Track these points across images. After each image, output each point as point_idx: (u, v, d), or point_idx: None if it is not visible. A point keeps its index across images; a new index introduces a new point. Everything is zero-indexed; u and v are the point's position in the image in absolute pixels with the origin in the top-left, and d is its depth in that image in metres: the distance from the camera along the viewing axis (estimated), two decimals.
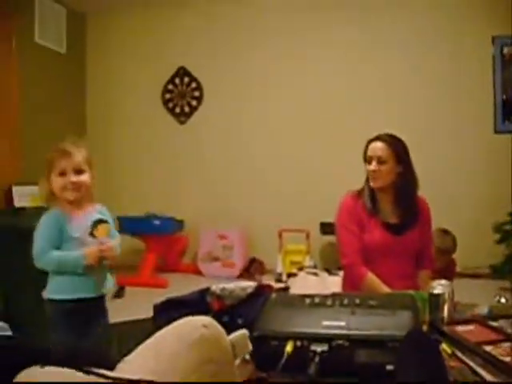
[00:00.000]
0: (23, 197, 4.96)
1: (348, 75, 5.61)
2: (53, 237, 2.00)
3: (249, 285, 1.63)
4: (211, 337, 0.86)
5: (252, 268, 5.65)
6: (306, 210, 5.60)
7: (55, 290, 2.04)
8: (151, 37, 6.25)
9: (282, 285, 2.29)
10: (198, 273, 5.69)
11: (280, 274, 4.98)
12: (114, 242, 2.12)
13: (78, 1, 6.04)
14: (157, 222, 5.32)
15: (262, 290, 1.64)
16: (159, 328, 1.10)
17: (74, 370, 0.76)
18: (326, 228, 5.31)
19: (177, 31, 6.15)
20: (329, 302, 1.46)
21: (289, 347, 1.28)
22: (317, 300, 1.48)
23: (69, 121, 6.13)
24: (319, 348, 1.27)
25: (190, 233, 5.82)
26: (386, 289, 2.36)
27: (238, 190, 5.92)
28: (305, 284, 3.78)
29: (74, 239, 2.02)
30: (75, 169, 2.07)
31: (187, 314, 1.11)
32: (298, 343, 1.30)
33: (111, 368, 0.83)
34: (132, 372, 0.79)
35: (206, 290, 1.63)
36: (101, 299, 2.15)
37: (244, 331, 1.03)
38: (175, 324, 0.92)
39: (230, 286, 1.61)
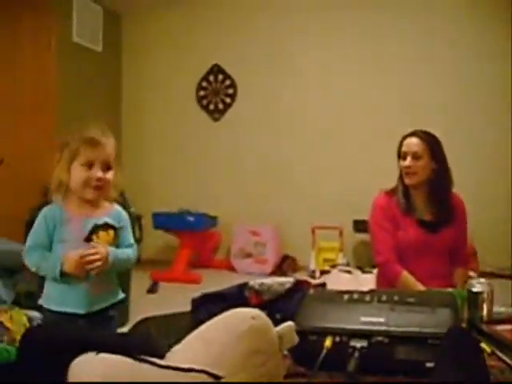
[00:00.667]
0: None
1: (382, 74, 5.55)
2: (43, 235, 1.74)
3: (287, 280, 1.64)
4: (259, 328, 0.87)
5: (284, 265, 5.65)
6: (339, 207, 5.58)
7: (45, 296, 1.79)
8: (185, 35, 6.30)
9: (319, 281, 2.29)
10: (231, 269, 5.73)
11: (313, 272, 4.98)
12: (110, 249, 1.76)
13: (114, 0, 6.12)
14: (190, 218, 5.35)
15: (299, 286, 1.65)
16: (198, 321, 1.12)
17: (126, 358, 0.78)
18: (359, 225, 5.28)
19: (211, 29, 6.19)
20: (367, 298, 1.46)
21: (328, 342, 1.28)
22: (355, 296, 1.48)
23: (104, 118, 6.21)
24: (358, 344, 1.27)
25: (223, 229, 5.85)
26: (420, 287, 2.35)
27: (271, 187, 5.93)
28: (338, 281, 3.78)
29: (67, 242, 1.73)
30: (103, 162, 1.77)
31: (225, 309, 1.13)
32: (337, 339, 1.30)
33: (160, 357, 0.85)
34: (182, 361, 0.81)
35: (245, 285, 1.64)
36: (98, 316, 1.79)
37: (290, 323, 1.04)
38: (223, 315, 0.93)
39: (269, 281, 1.62)
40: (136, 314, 3.73)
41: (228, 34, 6.12)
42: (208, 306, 1.60)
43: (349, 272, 3.99)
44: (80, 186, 1.73)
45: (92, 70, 6.01)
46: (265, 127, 5.99)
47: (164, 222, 5.43)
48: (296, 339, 1.07)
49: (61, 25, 5.46)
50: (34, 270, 1.74)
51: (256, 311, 0.94)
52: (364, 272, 3.92)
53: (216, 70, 6.20)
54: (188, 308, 2.71)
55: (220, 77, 6.19)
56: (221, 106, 6.19)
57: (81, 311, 1.73)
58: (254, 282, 1.62)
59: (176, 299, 4.42)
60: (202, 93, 6.26)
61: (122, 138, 6.55)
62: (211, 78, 6.23)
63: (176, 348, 0.90)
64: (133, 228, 4.12)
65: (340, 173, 5.68)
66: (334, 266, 4.59)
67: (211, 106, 6.23)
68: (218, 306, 1.50)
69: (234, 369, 0.80)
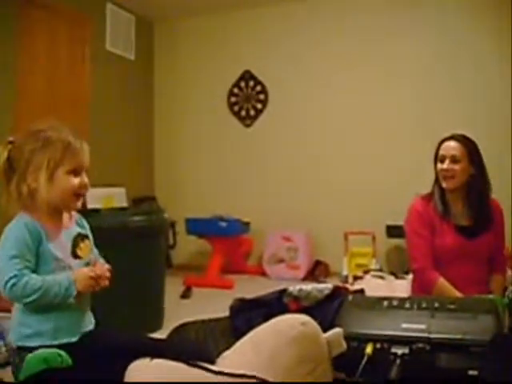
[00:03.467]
0: (95, 199, 5.14)
1: (417, 76, 5.50)
2: (29, 255, 1.50)
3: (325, 286, 1.64)
4: (309, 334, 0.88)
5: (317, 270, 5.63)
6: (371, 213, 5.54)
7: (28, 334, 1.51)
8: (217, 42, 6.35)
9: (357, 287, 2.28)
10: (263, 274, 5.73)
11: (346, 277, 4.95)
12: (102, 263, 1.69)
13: (146, 8, 6.20)
14: (223, 224, 5.37)
15: (338, 292, 1.65)
16: (237, 327, 1.13)
17: (180, 364, 0.80)
18: (392, 231, 5.23)
19: (242, 35, 6.22)
20: (407, 305, 1.46)
21: (369, 349, 1.28)
22: (395, 302, 1.48)
23: (137, 125, 6.32)
24: (400, 351, 1.27)
25: (256, 235, 5.86)
26: (457, 294, 2.32)
27: (303, 192, 5.92)
28: (371, 287, 3.74)
29: (57, 261, 1.56)
30: (84, 169, 1.64)
31: (265, 315, 1.14)
32: (378, 345, 1.30)
33: (211, 362, 0.86)
34: (233, 367, 0.82)
35: (284, 291, 1.64)
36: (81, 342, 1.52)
37: (338, 330, 1.04)
38: (273, 321, 0.94)
39: (307, 287, 1.62)
40: (170, 319, 3.77)
41: (259, 40, 6.14)
42: (246, 312, 1.61)
43: (382, 278, 3.95)
44: (68, 196, 1.59)
45: (125, 77, 6.10)
46: (296, 133, 5.99)
47: (197, 227, 5.46)
48: (344, 346, 1.07)
49: (95, 34, 5.55)
50: (31, 299, 1.47)
51: (305, 317, 0.95)
52: (397, 278, 3.88)
53: (247, 76, 6.23)
54: (221, 313, 2.73)
55: (251, 83, 6.22)
56: (252, 112, 6.21)
57: (74, 338, 1.51)
58: (293, 288, 1.63)
59: (209, 304, 4.46)
60: (233, 99, 6.30)
61: (155, 145, 6.64)
62: (242, 84, 6.26)
63: (226, 354, 0.90)
64: (167, 234, 4.18)
65: (373, 178, 5.63)
66: (366, 272, 4.55)
67: (243, 113, 6.25)
68: (257, 312, 1.51)
69: (283, 375, 0.81)
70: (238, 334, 1.55)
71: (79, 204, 1.63)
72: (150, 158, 6.58)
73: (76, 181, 1.59)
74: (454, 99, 5.34)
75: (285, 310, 1.59)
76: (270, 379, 0.79)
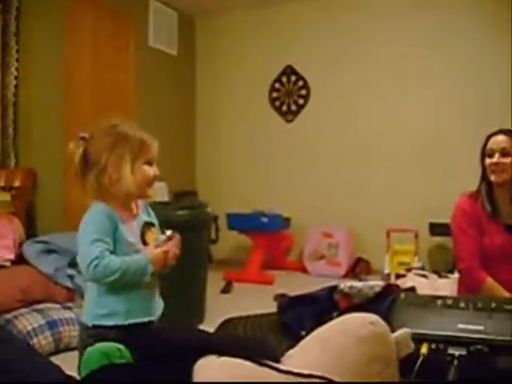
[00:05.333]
0: None
1: (457, 74, 5.39)
2: (108, 238, 1.62)
3: (377, 284, 1.61)
4: (379, 334, 0.85)
5: (358, 268, 5.58)
6: (414, 210, 5.46)
7: (102, 313, 1.63)
8: (258, 36, 6.34)
9: (409, 284, 2.25)
10: (303, 271, 5.70)
11: (388, 275, 4.88)
12: (176, 240, 1.77)
13: (188, 4, 6.23)
14: (264, 219, 5.37)
15: (389, 290, 1.61)
16: (286, 323, 1.11)
17: (247, 362, 0.78)
18: (436, 229, 5.15)
19: (284, 30, 6.19)
20: (462, 305, 1.42)
21: (424, 349, 1.25)
22: (449, 302, 1.44)
23: (179, 119, 6.36)
24: (457, 352, 1.23)
25: (296, 230, 5.83)
26: (506, 294, 2.26)
27: (344, 188, 5.86)
28: (406, 286, 3.68)
29: (130, 245, 1.68)
30: (155, 162, 1.78)
31: (315, 311, 1.12)
32: (433, 345, 1.27)
33: (276, 361, 0.84)
34: (299, 366, 0.80)
35: (334, 288, 1.62)
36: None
37: (407, 330, 1.01)
38: (340, 320, 0.92)
39: (358, 284, 1.60)
40: (211, 313, 3.79)
41: (301, 34, 6.10)
42: (296, 309, 1.59)
43: (425, 276, 3.89)
44: (144, 185, 1.73)
45: (167, 73, 6.15)
46: (338, 128, 5.93)
47: (238, 222, 5.47)
48: (412, 347, 1.05)
49: (138, 30, 5.61)
50: (112, 278, 1.57)
51: (373, 316, 0.93)
52: (441, 277, 3.82)
53: (289, 71, 6.20)
54: (262, 308, 2.72)
55: (293, 78, 6.18)
56: (294, 107, 6.18)
57: (145, 319, 1.66)
58: (344, 284, 1.60)
59: (249, 300, 4.47)
60: (274, 94, 6.28)
61: (196, 140, 6.67)
62: (284, 79, 6.23)
63: (291, 352, 0.89)
64: (209, 228, 4.19)
65: (416, 174, 5.55)
66: (409, 270, 4.50)
67: (284, 108, 6.23)
68: (307, 309, 1.49)
69: (352, 375, 0.79)
70: (287, 329, 1.55)
71: (152, 192, 1.76)
72: (191, 153, 6.62)
73: (151, 171, 1.73)
74: (495, 95, 5.21)
75: (335, 307, 1.57)
76: (338, 379, 0.77)
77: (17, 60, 4.31)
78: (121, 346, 1.31)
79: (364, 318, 0.92)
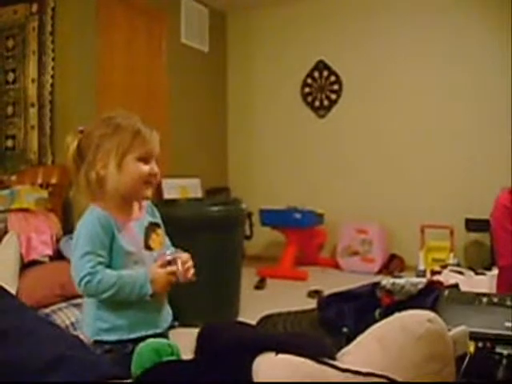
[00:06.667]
0: (172, 189, 5.25)
1: (487, 71, 5.29)
2: (103, 250, 1.46)
3: (419, 280, 1.59)
4: (437, 332, 0.84)
5: (392, 264, 5.52)
6: (450, 205, 5.38)
7: (104, 328, 1.51)
8: (290, 32, 6.31)
9: (453, 280, 2.21)
10: (337, 267, 5.67)
11: (423, 272, 4.82)
12: (184, 255, 1.56)
13: (219, 1, 6.23)
14: (297, 215, 5.35)
15: (432, 287, 1.59)
16: (328, 319, 1.10)
17: (307, 360, 0.77)
18: (472, 224, 5.07)
19: (315, 25, 6.15)
20: (508, 302, 1.39)
21: (471, 348, 1.23)
22: (495, 299, 1.41)
23: (211, 116, 6.38)
24: (505, 351, 1.20)
25: (330, 226, 5.80)
26: None
27: (378, 184, 5.81)
28: (450, 283, 3.63)
29: (128, 255, 1.51)
30: (155, 157, 1.57)
31: (357, 308, 1.10)
32: (480, 344, 1.24)
33: (332, 358, 0.83)
34: (356, 364, 0.79)
35: (376, 284, 1.60)
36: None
37: (464, 327, 0.99)
38: (396, 317, 0.91)
39: (401, 281, 1.57)
40: (245, 309, 3.80)
41: (333, 29, 6.06)
42: (337, 305, 1.58)
43: (461, 273, 3.83)
44: (138, 184, 1.52)
45: (199, 69, 6.17)
46: (371, 123, 5.87)
47: (271, 218, 5.47)
48: (469, 345, 1.03)
49: (170, 27, 5.64)
50: (106, 295, 1.45)
51: (431, 314, 0.91)
52: (477, 273, 3.76)
53: (321, 66, 6.16)
54: (296, 304, 2.71)
55: (325, 73, 6.14)
56: (326, 102, 6.14)
57: (159, 330, 1.56)
58: (387, 281, 1.58)
59: (283, 295, 4.47)
60: (307, 90, 6.25)
61: (228, 136, 6.69)
62: (316, 74, 6.20)
63: (347, 349, 0.88)
64: (243, 224, 4.19)
65: (451, 170, 5.46)
66: (444, 267, 4.43)
67: (316, 103, 6.19)
68: (349, 305, 1.48)
69: (411, 374, 0.78)
70: (329, 326, 1.54)
71: (149, 193, 1.56)
72: (223, 149, 6.63)
73: (145, 168, 1.52)
74: None
75: (377, 303, 1.55)
76: (399, 379, 0.76)
77: (53, 59, 4.38)
78: (171, 343, 1.30)
79: (422, 315, 0.90)
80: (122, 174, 1.49)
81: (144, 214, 1.61)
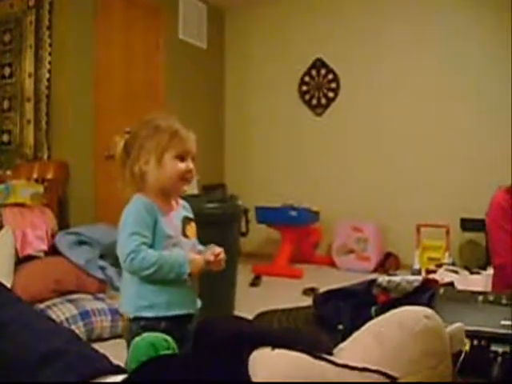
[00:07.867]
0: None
1: (487, 71, 5.30)
2: (148, 231, 1.62)
3: (415, 278, 1.59)
4: (434, 328, 0.84)
5: (387, 263, 5.53)
6: (445, 205, 5.38)
7: (143, 304, 1.64)
8: (288, 29, 6.31)
9: (448, 279, 2.21)
10: (332, 265, 5.68)
11: (418, 271, 4.83)
12: (218, 248, 1.74)
13: None
14: (293, 213, 5.35)
15: (428, 285, 1.59)
16: (324, 316, 1.10)
17: (304, 355, 0.77)
18: (467, 224, 5.08)
19: (314, 23, 6.15)
20: (504, 301, 1.39)
21: (466, 346, 1.23)
22: (490, 297, 1.41)
23: (208, 113, 6.37)
24: (500, 349, 1.21)
25: (325, 224, 5.81)
26: None
27: (374, 182, 5.81)
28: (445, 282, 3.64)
29: (169, 238, 1.67)
30: (191, 155, 1.74)
31: (353, 305, 1.10)
32: (475, 342, 1.25)
33: (328, 354, 0.83)
34: (353, 359, 0.79)
35: (373, 282, 1.61)
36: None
37: (460, 324, 1.00)
38: (394, 313, 0.91)
39: (396, 278, 1.58)
40: (240, 307, 3.79)
41: (331, 28, 6.05)
42: (333, 302, 1.58)
43: (456, 272, 3.84)
44: (174, 179, 1.68)
45: (197, 66, 6.16)
46: (368, 122, 5.88)
47: (267, 216, 5.46)
48: (465, 342, 1.03)
49: (168, 24, 5.62)
50: (148, 272, 1.59)
51: (428, 310, 0.91)
52: (472, 273, 3.77)
53: (319, 64, 6.16)
54: (291, 302, 2.70)
55: (323, 71, 6.14)
56: (323, 100, 6.14)
57: (186, 311, 1.69)
58: (383, 279, 1.59)
59: (278, 293, 4.47)
60: (304, 87, 6.24)
61: (225, 133, 6.68)
62: (314, 72, 6.20)
63: (343, 345, 0.88)
64: (240, 221, 4.18)
65: (447, 169, 5.47)
66: (439, 266, 4.44)
67: (314, 101, 6.19)
68: (345, 303, 1.48)
69: (407, 370, 0.78)
70: (324, 323, 1.54)
71: (185, 188, 1.72)
72: (220, 146, 6.63)
73: (182, 165, 1.68)
74: None
75: (373, 301, 1.55)
76: (396, 374, 0.76)
77: (49, 54, 4.37)
78: (167, 337, 1.31)
79: (418, 311, 0.90)
80: (161, 169, 1.67)
81: (180, 208, 1.79)
